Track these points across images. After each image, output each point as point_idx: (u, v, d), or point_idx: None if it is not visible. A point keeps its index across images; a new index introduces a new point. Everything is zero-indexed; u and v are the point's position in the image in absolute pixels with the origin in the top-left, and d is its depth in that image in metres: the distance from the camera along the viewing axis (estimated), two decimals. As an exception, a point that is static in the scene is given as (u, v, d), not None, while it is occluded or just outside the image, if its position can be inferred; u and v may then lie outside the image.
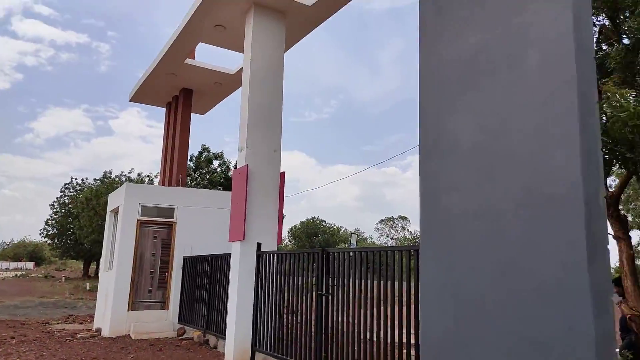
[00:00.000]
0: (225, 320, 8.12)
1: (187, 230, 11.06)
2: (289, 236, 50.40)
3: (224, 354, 8.01)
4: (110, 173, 32.36)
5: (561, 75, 3.74)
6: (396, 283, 5.12)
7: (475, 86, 4.32)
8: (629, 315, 5.45)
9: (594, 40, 5.63)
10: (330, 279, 6.05)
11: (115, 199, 11.70)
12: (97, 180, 32.23)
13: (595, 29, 5.83)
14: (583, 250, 3.46)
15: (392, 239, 66.51)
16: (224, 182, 26.24)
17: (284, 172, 8.17)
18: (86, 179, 33.94)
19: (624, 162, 5.64)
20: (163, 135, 13.22)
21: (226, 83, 11.94)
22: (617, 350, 6.43)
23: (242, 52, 10.03)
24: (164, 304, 10.84)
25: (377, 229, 67.95)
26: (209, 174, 26.87)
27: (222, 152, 27.58)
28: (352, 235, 25.13)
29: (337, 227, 53.05)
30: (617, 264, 6.13)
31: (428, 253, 4.53)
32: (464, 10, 4.01)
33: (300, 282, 6.81)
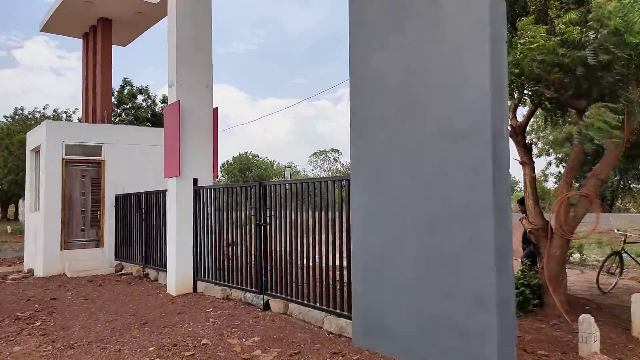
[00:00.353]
0: (165, 254, 8.36)
1: (117, 168, 10.85)
2: (221, 172, 49.98)
3: (165, 285, 8.30)
4: (22, 110, 30.02)
5: (475, 18, 4.11)
6: (330, 212, 5.55)
7: (400, 28, 4.62)
8: (529, 229, 6.28)
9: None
10: (268, 210, 6.39)
11: (35, 138, 11.12)
12: (8, 117, 29.84)
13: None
14: (489, 175, 4.01)
15: (324, 171, 67.93)
16: (151, 118, 25.27)
17: (217, 108, 8.17)
18: (-6, 116, 31.24)
19: (530, 95, 6.26)
20: (82, 68, 12.47)
21: (149, 12, 11.32)
22: (520, 259, 7.43)
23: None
24: (98, 242, 10.79)
25: (310, 161, 68.98)
26: (134, 110, 25.72)
27: (146, 87, 26.27)
28: (286, 168, 25.56)
29: (270, 162, 53.24)
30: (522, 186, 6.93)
31: (358, 182, 4.98)
32: None
33: (237, 215, 7.11)
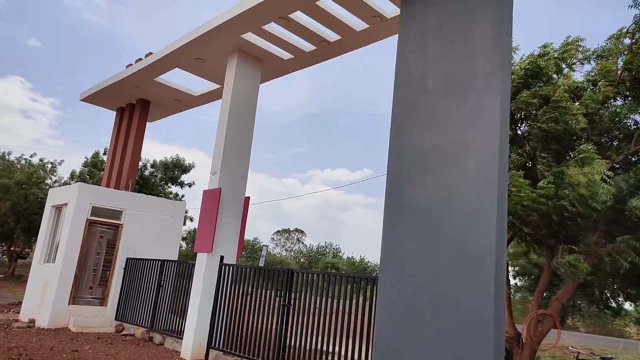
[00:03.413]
0: (173, 320, 9.29)
1: (132, 233, 11.82)
2: (186, 242, 49.80)
3: (173, 350, 9.08)
4: (10, 154, 30.42)
5: (487, 177, 5.81)
6: (347, 302, 6.79)
7: (429, 171, 6.26)
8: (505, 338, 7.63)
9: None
10: (292, 293, 7.56)
11: (60, 195, 12.06)
12: (-8, 160, 30.08)
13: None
14: (492, 291, 5.49)
15: (287, 250, 68.44)
16: (139, 181, 26.19)
17: (249, 197, 9.52)
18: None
19: (512, 228, 7.91)
20: (112, 137, 13.72)
21: (184, 100, 12.91)
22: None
23: (213, 81, 11.26)
24: (102, 301, 11.45)
25: (274, 239, 69.57)
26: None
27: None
28: (264, 247, 26.47)
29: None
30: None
31: (386, 280, 6.34)
32: (426, 117, 5.87)
33: (260, 294, 8.21)
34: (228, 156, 9.27)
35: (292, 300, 7.54)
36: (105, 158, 27.62)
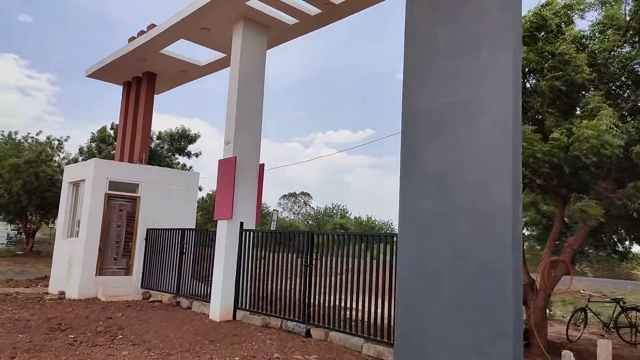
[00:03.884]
0: (197, 285, 9.75)
1: (149, 204, 12.13)
2: (197, 210, 50.40)
3: (201, 313, 9.52)
4: (17, 133, 30.58)
5: (502, 135, 5.92)
6: (365, 260, 7.10)
7: (443, 132, 6.39)
8: (517, 285, 8.03)
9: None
10: (314, 254, 7.89)
11: (77, 172, 12.32)
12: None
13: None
14: (509, 245, 5.75)
15: (294, 214, 69.16)
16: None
17: (263, 164, 9.74)
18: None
19: (523, 180, 8.11)
20: (120, 112, 13.85)
21: (190, 71, 12.95)
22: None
23: (220, 50, 11.28)
24: (127, 271, 11.89)
25: (280, 203, 70.26)
26: (132, 144, 26.81)
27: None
28: (274, 211, 26.95)
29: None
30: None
31: (405, 240, 6.60)
32: (438, 77, 5.94)
33: (281, 257, 8.55)
34: (240, 125, 9.43)
35: (314, 260, 7.87)
36: (112, 132, 27.80)
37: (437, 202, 5.87)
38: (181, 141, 28.08)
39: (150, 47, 11.34)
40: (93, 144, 28.10)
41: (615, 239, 10.56)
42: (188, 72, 12.92)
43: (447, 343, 5.20)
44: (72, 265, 11.50)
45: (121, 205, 11.88)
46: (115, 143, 28.17)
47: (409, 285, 5.92)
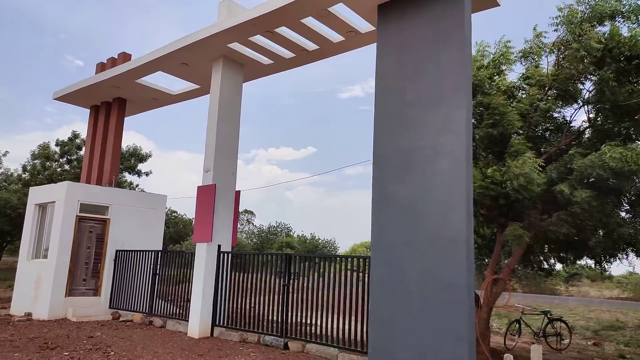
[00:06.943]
0: (170, 305, 10.36)
1: (118, 226, 12.54)
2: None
3: (177, 331, 10.11)
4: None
5: (458, 174, 7.34)
6: (340, 280, 8.13)
7: (409, 171, 7.71)
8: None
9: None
10: (291, 274, 8.80)
11: (45, 194, 12.52)
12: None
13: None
14: (464, 265, 7.15)
15: (238, 232, 68.87)
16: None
17: (239, 191, 10.56)
18: None
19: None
20: (87, 135, 14.15)
21: (162, 99, 13.55)
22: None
23: (194, 82, 12.07)
24: (96, 291, 12.17)
25: (222, 221, 69.67)
26: (80, 162, 26.46)
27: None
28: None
29: (188, 219, 53.74)
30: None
31: (377, 262, 7.77)
32: (403, 119, 7.25)
33: (258, 277, 9.39)
34: (219, 154, 10.24)
35: (291, 280, 8.78)
36: (57, 150, 27.28)
37: (405, 230, 7.16)
38: (131, 159, 27.99)
39: (128, 77, 11.90)
40: (37, 161, 27.37)
41: (542, 258, 12.25)
42: (160, 99, 13.52)
43: (414, 348, 6.38)
44: (40, 286, 11.66)
45: (91, 227, 12.21)
46: (62, 160, 27.82)
47: (380, 302, 7.10)
